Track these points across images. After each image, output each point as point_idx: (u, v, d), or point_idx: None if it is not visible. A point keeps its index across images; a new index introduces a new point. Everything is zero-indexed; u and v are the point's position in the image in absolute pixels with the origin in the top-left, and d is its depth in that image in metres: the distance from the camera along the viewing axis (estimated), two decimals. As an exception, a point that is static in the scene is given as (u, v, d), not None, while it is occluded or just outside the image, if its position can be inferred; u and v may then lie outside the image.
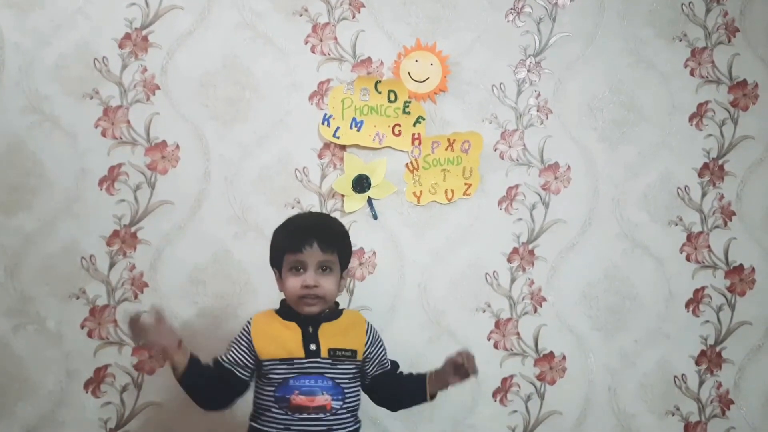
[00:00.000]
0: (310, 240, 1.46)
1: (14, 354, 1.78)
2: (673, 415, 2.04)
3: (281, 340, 1.47)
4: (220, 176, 1.90)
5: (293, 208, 1.91)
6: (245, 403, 1.52)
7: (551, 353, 2.00)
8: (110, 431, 1.80)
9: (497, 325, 1.98)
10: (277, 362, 1.45)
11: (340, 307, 1.59)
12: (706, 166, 2.12)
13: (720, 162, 2.12)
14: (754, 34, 2.17)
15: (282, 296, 1.54)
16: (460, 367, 1.45)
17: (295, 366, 1.44)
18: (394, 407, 1.62)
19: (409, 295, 1.96)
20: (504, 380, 1.97)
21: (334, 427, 1.44)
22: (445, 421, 1.93)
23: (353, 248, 1.83)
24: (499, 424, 1.97)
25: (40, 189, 1.82)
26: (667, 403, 2.04)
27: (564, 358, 2.00)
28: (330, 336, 1.49)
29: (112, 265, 1.83)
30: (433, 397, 1.54)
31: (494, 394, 1.97)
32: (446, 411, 1.93)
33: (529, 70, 2.06)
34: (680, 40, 2.13)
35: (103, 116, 1.86)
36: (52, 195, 1.82)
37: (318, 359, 1.46)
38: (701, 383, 2.07)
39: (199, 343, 1.82)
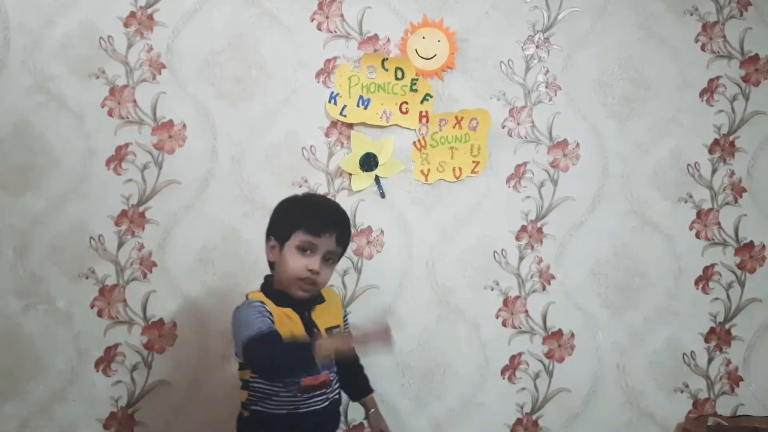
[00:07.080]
0: (331, 229, 1.48)
1: (25, 333, 1.79)
2: (682, 392, 2.04)
3: (288, 328, 1.44)
4: (227, 155, 1.89)
5: (300, 186, 1.91)
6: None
7: (560, 331, 2.00)
8: (121, 409, 1.82)
9: (505, 303, 1.98)
10: None
11: None
12: (716, 142, 2.09)
13: (731, 138, 2.10)
14: (766, 7, 2.13)
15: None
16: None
17: None
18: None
19: (417, 273, 1.95)
20: (512, 358, 1.98)
21: (331, 396, 1.49)
22: (454, 398, 1.94)
23: (361, 227, 1.94)
24: (507, 402, 1.97)
25: (47, 169, 1.82)
26: (676, 380, 2.04)
27: (573, 335, 2.00)
28: (322, 316, 1.53)
29: (120, 245, 1.84)
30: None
31: (503, 372, 1.97)
32: (455, 388, 1.94)
33: (537, 46, 2.04)
34: (691, 14, 2.10)
35: (110, 96, 1.85)
36: (59, 175, 1.82)
37: None
38: (710, 360, 2.06)
39: (207, 323, 1.85)
